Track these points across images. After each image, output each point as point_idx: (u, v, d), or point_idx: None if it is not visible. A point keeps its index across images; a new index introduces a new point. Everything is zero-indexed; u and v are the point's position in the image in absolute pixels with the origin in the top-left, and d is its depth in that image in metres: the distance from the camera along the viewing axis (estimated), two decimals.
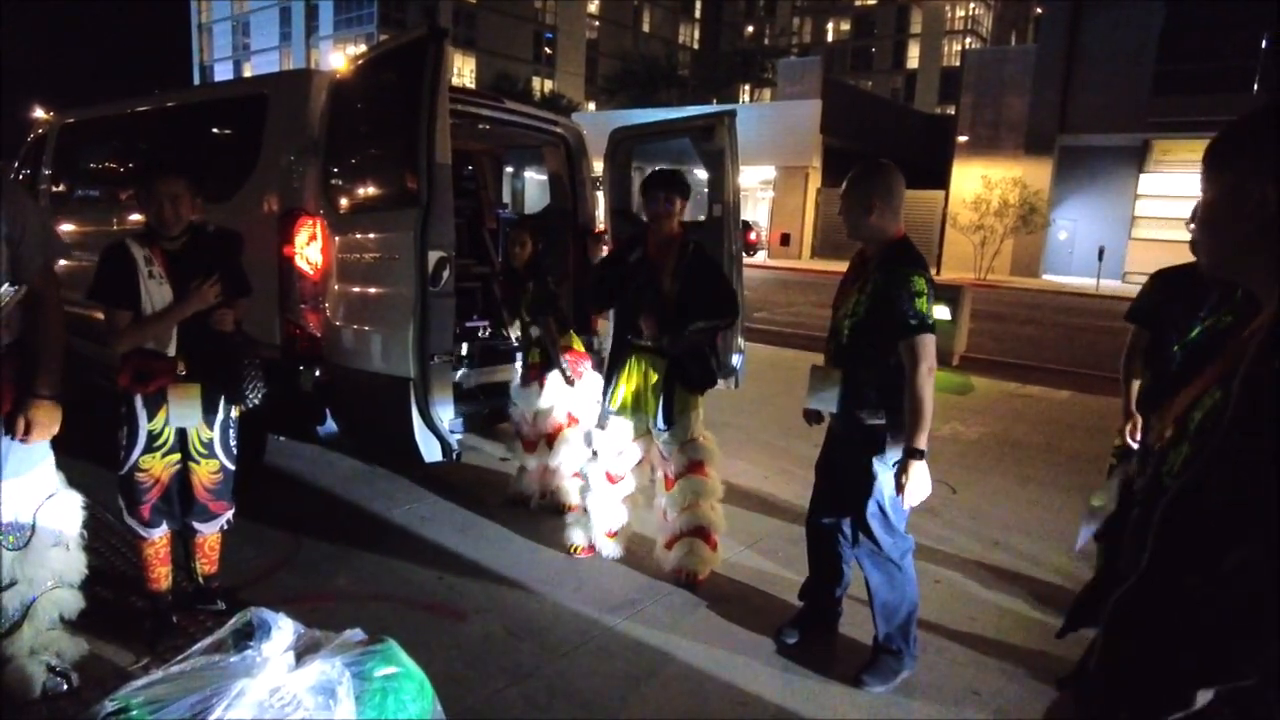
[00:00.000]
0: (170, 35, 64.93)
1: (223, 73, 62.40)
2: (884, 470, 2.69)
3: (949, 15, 62.34)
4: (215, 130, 4.24)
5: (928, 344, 2.56)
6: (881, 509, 2.74)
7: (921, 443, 2.55)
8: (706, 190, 4.56)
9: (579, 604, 3.27)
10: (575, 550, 3.70)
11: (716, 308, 3.44)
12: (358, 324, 3.24)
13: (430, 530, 3.94)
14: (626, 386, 3.53)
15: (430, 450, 2.96)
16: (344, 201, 3.46)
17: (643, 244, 3.51)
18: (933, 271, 2.73)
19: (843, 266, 2.91)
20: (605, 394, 3.60)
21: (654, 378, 3.48)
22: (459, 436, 3.07)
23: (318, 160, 3.50)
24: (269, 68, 56.85)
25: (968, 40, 58.06)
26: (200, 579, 3.08)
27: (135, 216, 3.51)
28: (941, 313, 9.45)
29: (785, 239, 29.90)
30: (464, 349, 4.58)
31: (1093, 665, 1.23)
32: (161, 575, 2.95)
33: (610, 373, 3.58)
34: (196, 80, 62.34)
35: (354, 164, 3.51)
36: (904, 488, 2.57)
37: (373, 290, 3.20)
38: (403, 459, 3.10)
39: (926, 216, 26.81)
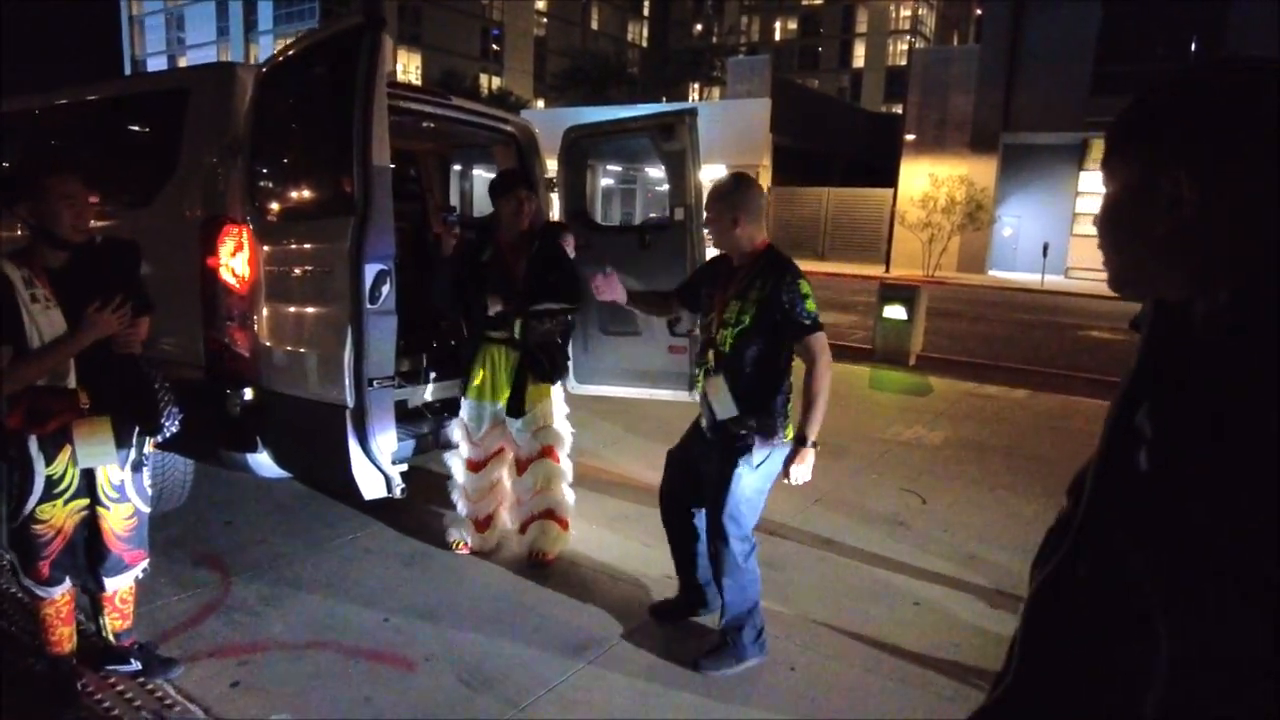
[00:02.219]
0: (99, 27, 62.31)
1: (157, 68, 60.21)
2: (749, 473, 2.77)
3: (893, 15, 63.27)
4: (132, 128, 3.84)
5: (823, 341, 2.72)
6: (738, 511, 2.81)
7: (816, 433, 2.71)
8: (667, 191, 4.33)
9: (539, 646, 3.00)
10: (457, 545, 3.75)
11: (563, 293, 3.56)
12: (289, 344, 2.92)
13: (375, 563, 3.63)
14: (482, 377, 3.63)
15: (370, 486, 2.67)
16: (273, 208, 3.13)
17: (493, 243, 3.64)
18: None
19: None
20: (462, 385, 3.70)
21: (506, 369, 3.61)
22: (403, 469, 2.78)
23: (244, 162, 3.16)
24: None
25: (912, 40, 58.97)
26: (111, 636, 2.70)
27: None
28: (897, 312, 9.40)
29: None
30: (414, 363, 4.28)
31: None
32: (64, 636, 2.58)
33: (466, 364, 3.69)
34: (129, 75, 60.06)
35: (284, 167, 3.19)
36: (791, 471, 2.72)
37: (305, 307, 2.89)
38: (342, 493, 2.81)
39: (875, 215, 27.02)
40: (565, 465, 3.75)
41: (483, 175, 6.19)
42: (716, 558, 2.86)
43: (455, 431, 3.72)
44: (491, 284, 3.52)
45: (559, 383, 3.73)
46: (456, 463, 3.74)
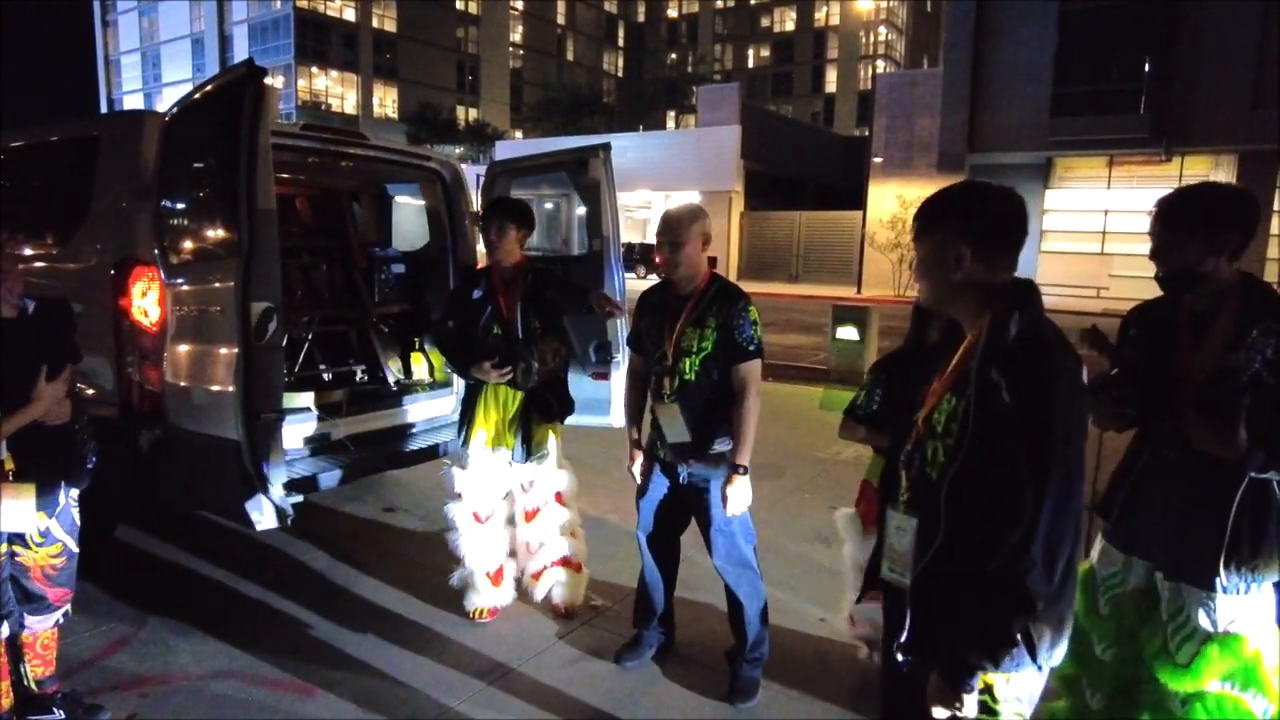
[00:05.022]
0: (76, 68, 62.62)
1: (133, 106, 60.41)
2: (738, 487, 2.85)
3: (864, 41, 64.43)
4: (46, 174, 3.94)
5: (759, 368, 2.86)
6: (745, 526, 2.95)
7: (748, 458, 2.81)
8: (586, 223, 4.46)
9: (441, 671, 3.07)
10: (479, 614, 3.47)
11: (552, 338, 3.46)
12: (188, 381, 3.01)
13: (292, 592, 3.69)
14: (485, 423, 3.45)
15: (261, 518, 2.75)
16: (177, 250, 3.24)
17: (486, 278, 3.48)
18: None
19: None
20: (462, 432, 3.50)
21: (510, 411, 3.45)
22: (297, 500, 2.85)
23: (151, 206, 3.27)
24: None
25: (882, 64, 60.01)
26: (33, 684, 2.66)
27: None
28: (849, 333, 9.56)
29: (712, 261, 30.09)
30: (337, 395, 4.36)
31: (908, 623, 1.61)
32: (3, 691, 2.53)
33: (466, 410, 3.50)
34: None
35: (186, 210, 3.29)
36: (729, 500, 2.79)
37: (200, 345, 2.98)
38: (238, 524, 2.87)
39: (845, 236, 27.36)
40: (574, 510, 3.62)
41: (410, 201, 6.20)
42: (731, 573, 2.94)
43: (456, 481, 3.47)
44: (485, 332, 3.38)
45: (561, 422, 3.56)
46: (461, 515, 3.46)
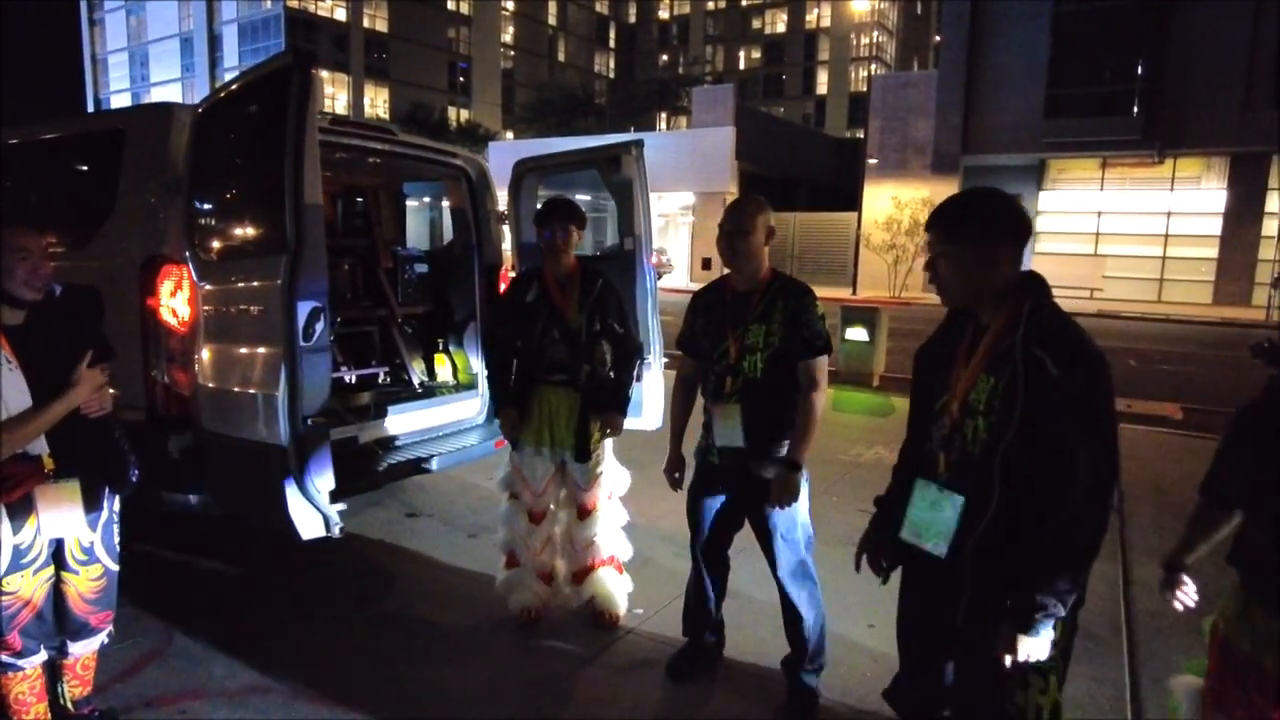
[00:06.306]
0: (61, 67, 61.99)
1: (120, 105, 59.83)
2: (805, 487, 2.76)
3: (855, 43, 64.58)
4: (67, 170, 3.81)
5: (825, 364, 2.76)
6: (807, 532, 2.86)
7: (805, 457, 2.71)
8: (617, 222, 4.37)
9: (487, 682, 2.97)
10: (529, 613, 3.41)
11: (625, 354, 3.43)
12: (226, 384, 2.89)
13: (322, 602, 3.58)
14: (539, 422, 3.38)
15: (308, 526, 2.64)
16: (211, 247, 3.12)
17: (539, 279, 3.39)
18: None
19: None
20: (519, 432, 3.43)
21: (566, 411, 3.38)
22: (341, 508, 2.74)
23: (182, 202, 3.15)
24: (172, 100, 54.83)
25: (873, 67, 60.16)
26: (70, 704, 2.56)
27: None
28: (859, 334, 9.51)
29: (706, 263, 29.99)
30: (362, 399, 4.25)
31: (969, 589, 1.74)
32: (39, 715, 2.44)
33: (523, 410, 3.42)
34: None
35: (221, 206, 3.18)
36: (778, 495, 2.68)
37: (241, 346, 2.87)
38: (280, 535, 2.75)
39: (841, 238, 27.40)
40: (622, 509, 3.59)
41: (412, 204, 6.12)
42: (791, 582, 2.84)
43: (512, 481, 3.47)
44: (544, 336, 3.33)
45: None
46: (516, 514, 3.46)
